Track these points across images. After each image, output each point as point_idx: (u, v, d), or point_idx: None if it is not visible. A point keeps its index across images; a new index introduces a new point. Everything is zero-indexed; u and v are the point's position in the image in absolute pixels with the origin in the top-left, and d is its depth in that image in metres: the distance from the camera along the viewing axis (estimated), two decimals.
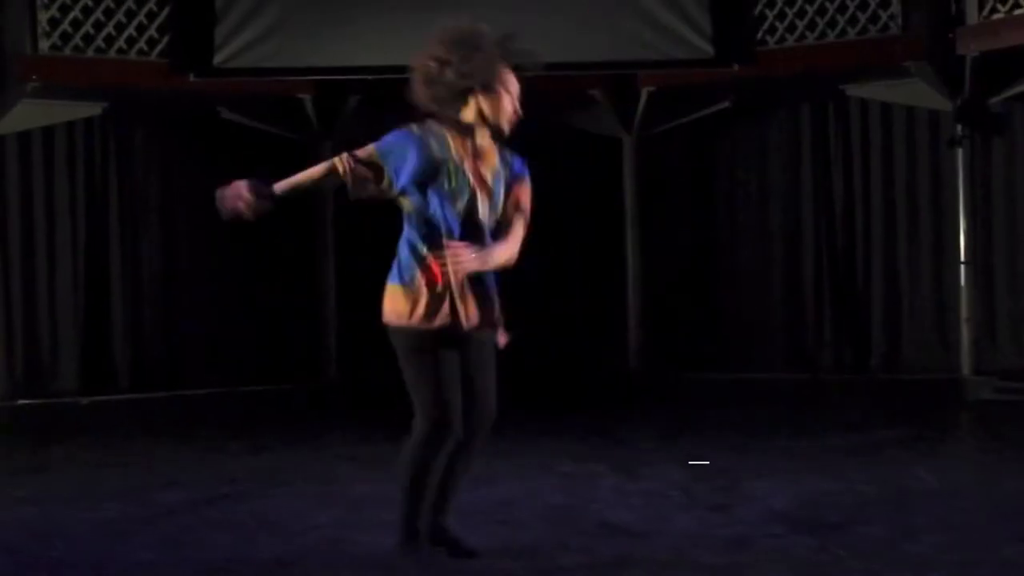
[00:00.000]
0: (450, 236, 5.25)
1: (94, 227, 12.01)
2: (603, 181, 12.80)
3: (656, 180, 12.86)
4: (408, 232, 5.32)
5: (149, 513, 6.86)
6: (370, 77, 11.69)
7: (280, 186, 5.33)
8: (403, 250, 5.32)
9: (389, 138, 5.34)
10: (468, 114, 5.34)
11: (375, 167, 5.29)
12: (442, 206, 5.27)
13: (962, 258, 11.62)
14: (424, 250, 5.27)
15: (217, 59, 11.57)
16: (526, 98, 5.44)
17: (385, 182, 5.30)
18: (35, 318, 11.76)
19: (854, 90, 11.95)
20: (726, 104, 12.33)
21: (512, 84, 5.37)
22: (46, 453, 9.55)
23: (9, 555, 5.96)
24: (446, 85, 5.30)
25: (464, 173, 5.32)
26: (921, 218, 11.95)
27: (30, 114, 11.44)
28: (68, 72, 11.37)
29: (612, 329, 12.75)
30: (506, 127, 5.38)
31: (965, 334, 11.62)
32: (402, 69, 12.60)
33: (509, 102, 5.36)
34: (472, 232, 5.30)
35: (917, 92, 11.52)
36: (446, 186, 5.29)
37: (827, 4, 11.71)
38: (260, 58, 11.64)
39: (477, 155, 5.37)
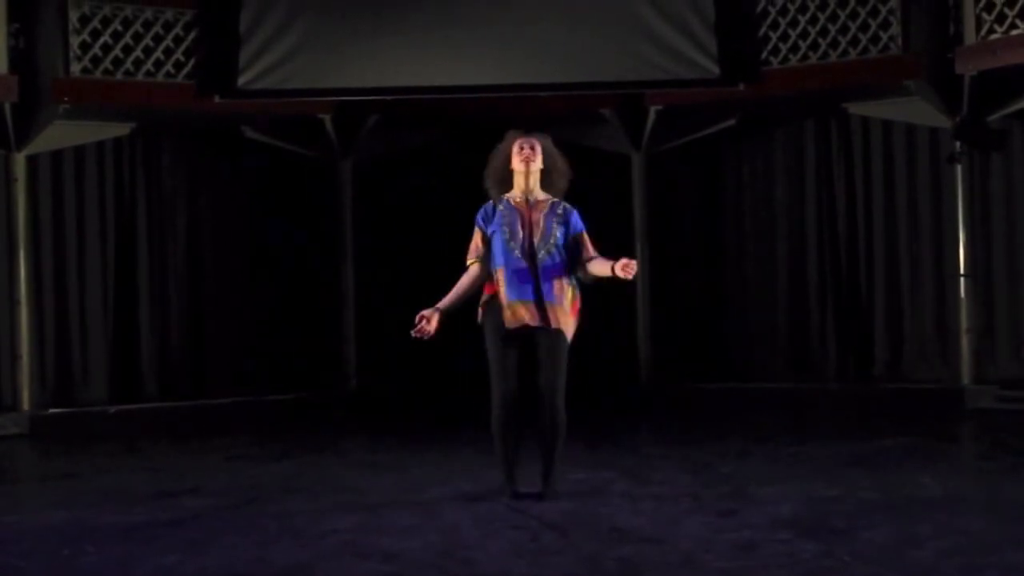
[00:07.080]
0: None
1: (123, 240, 12.03)
2: (613, 196, 12.76)
3: (664, 195, 12.89)
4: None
5: (175, 517, 6.98)
6: (388, 97, 11.82)
7: (445, 303, 7.03)
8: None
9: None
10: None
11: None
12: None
13: (962, 270, 11.64)
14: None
15: (241, 81, 11.62)
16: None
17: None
18: (66, 330, 11.75)
19: (856, 108, 11.93)
20: (732, 122, 12.36)
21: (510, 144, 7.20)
22: (76, 460, 9.74)
23: (41, 557, 6.10)
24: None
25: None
26: (922, 232, 11.90)
27: (62, 134, 11.51)
28: (98, 94, 11.44)
29: (623, 340, 12.75)
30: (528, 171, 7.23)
31: (965, 344, 11.65)
32: (418, 90, 13.14)
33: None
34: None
35: (917, 110, 11.56)
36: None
37: (829, 25, 11.69)
38: (282, 79, 11.68)
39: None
